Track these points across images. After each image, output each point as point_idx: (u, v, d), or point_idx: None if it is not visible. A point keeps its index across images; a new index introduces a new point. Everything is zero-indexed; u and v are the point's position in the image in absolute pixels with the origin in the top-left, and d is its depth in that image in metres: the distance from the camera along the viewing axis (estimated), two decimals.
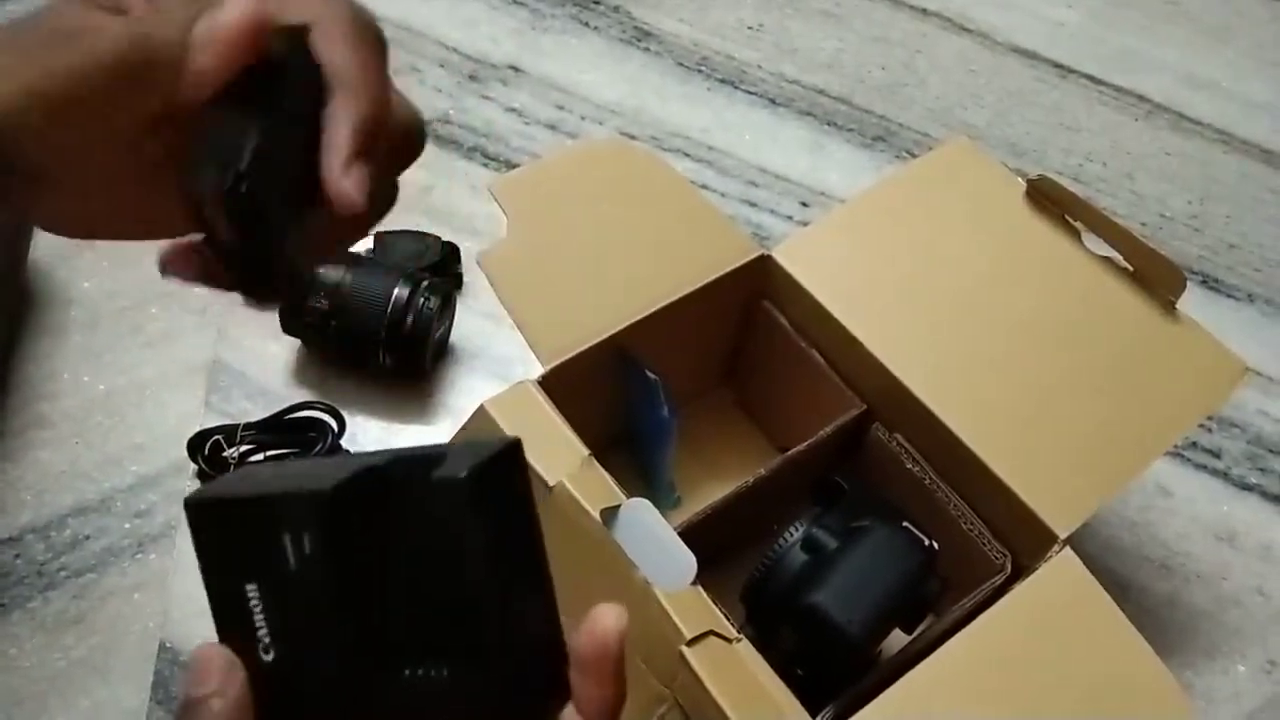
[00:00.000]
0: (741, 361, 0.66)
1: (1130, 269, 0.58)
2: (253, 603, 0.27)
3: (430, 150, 0.82)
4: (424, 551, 0.27)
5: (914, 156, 0.86)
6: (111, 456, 0.64)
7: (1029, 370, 0.55)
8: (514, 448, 0.28)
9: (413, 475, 0.27)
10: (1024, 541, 0.52)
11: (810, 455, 0.57)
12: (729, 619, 0.45)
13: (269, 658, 0.27)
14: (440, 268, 0.71)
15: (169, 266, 0.35)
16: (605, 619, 0.28)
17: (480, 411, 0.50)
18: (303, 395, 0.68)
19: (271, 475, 0.29)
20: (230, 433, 0.62)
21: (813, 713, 0.44)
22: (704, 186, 0.82)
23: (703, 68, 0.91)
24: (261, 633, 0.27)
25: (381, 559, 0.27)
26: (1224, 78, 0.96)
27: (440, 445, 0.28)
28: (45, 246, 0.72)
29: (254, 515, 0.27)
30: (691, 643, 0.43)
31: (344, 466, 0.27)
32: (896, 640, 0.53)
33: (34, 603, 0.59)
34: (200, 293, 0.72)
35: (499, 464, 0.28)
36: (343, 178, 0.32)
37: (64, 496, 0.63)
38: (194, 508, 0.28)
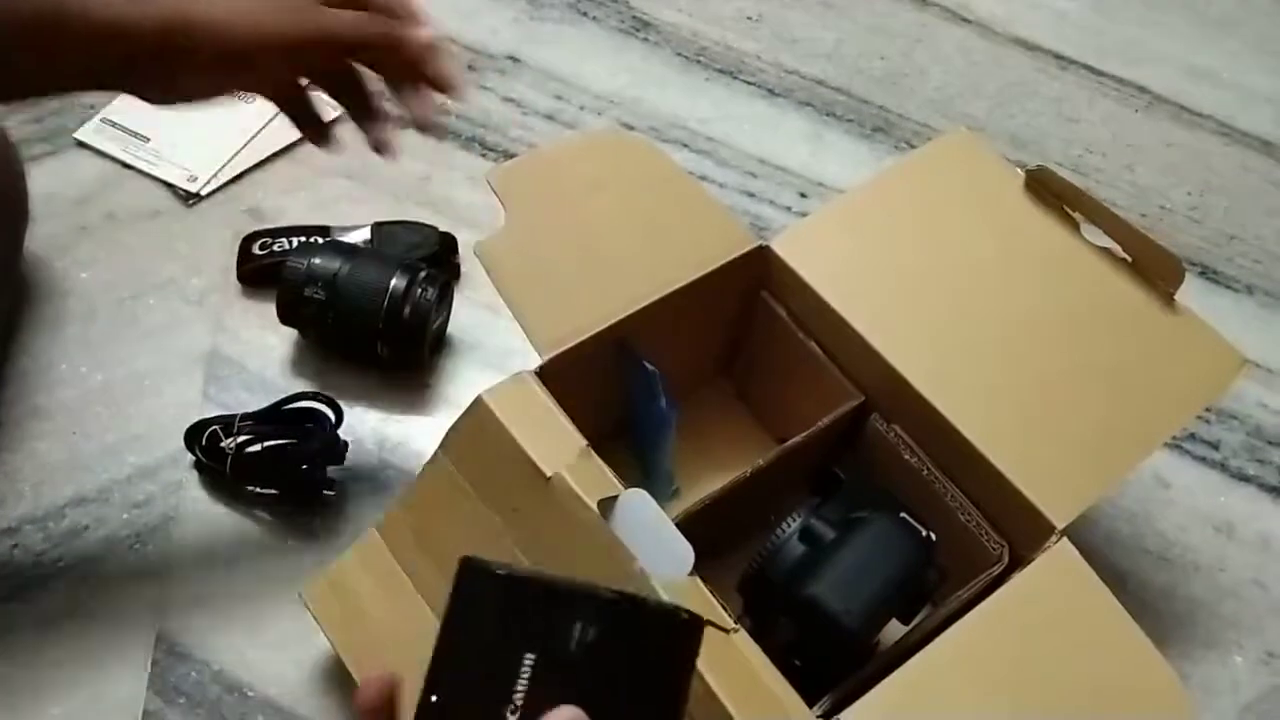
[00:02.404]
0: (740, 353, 0.66)
1: (1129, 260, 0.58)
2: (524, 671, 0.32)
3: (428, 140, 0.82)
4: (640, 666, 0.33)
5: (913, 147, 0.86)
6: (109, 447, 0.64)
7: (1027, 361, 0.55)
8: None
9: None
10: (1021, 532, 0.52)
11: (808, 446, 0.57)
12: (727, 610, 0.45)
13: (513, 717, 0.31)
14: (438, 258, 0.71)
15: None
16: None
17: (478, 403, 0.50)
18: (300, 386, 0.68)
19: (547, 574, 0.34)
20: (228, 423, 0.62)
21: (810, 703, 0.44)
22: (703, 177, 0.82)
23: (702, 58, 0.91)
24: (517, 696, 0.31)
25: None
26: (1225, 69, 0.95)
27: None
28: (42, 237, 0.72)
29: (560, 599, 0.33)
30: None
31: (601, 588, 0.33)
32: (894, 630, 0.53)
33: (32, 593, 0.59)
34: (198, 283, 0.73)
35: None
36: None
37: (62, 487, 0.63)
38: (510, 579, 0.33)
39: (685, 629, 0.34)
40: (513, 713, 0.31)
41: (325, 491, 0.63)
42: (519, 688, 0.32)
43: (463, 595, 0.33)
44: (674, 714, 0.33)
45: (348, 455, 0.63)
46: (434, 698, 0.32)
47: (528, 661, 0.32)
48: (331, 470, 0.63)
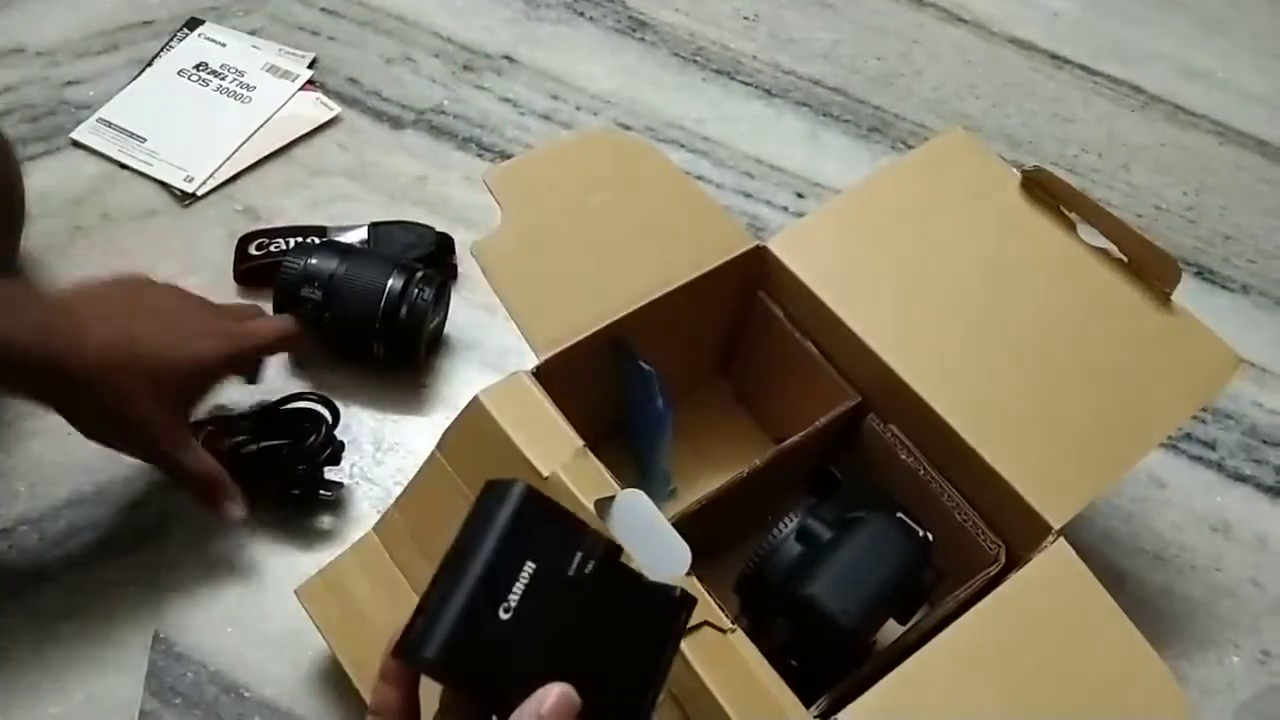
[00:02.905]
0: (737, 352, 0.66)
1: (1125, 260, 0.58)
2: (523, 576, 0.34)
3: (424, 140, 0.82)
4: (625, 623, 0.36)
5: (910, 147, 0.86)
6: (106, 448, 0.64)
7: (1023, 361, 0.55)
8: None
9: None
10: (1018, 532, 0.52)
11: (805, 446, 0.57)
12: (723, 610, 0.45)
13: (505, 616, 0.33)
14: (434, 258, 0.71)
15: None
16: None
17: (474, 402, 0.50)
18: (297, 386, 0.68)
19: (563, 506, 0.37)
20: (224, 424, 0.62)
21: (807, 703, 0.44)
22: (699, 177, 0.82)
23: (698, 58, 0.91)
24: (513, 598, 0.34)
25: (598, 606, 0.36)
26: (1220, 69, 0.96)
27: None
28: (38, 237, 0.72)
29: (567, 527, 0.36)
30: (686, 633, 0.43)
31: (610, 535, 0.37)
32: (891, 630, 0.53)
33: (28, 594, 0.59)
34: (194, 283, 0.72)
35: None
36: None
37: (58, 488, 0.63)
38: (521, 489, 0.35)
39: (677, 603, 0.37)
40: (505, 611, 0.33)
41: (323, 493, 0.62)
42: (516, 590, 0.34)
43: (481, 504, 0.36)
44: (651, 678, 0.36)
45: (344, 455, 0.63)
46: (434, 594, 0.34)
47: (528, 570, 0.34)
48: (329, 471, 0.63)
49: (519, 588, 0.34)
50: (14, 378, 0.52)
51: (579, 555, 0.35)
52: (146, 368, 0.54)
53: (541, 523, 0.35)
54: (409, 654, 0.33)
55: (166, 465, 0.58)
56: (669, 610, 0.37)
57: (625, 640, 0.36)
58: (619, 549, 0.36)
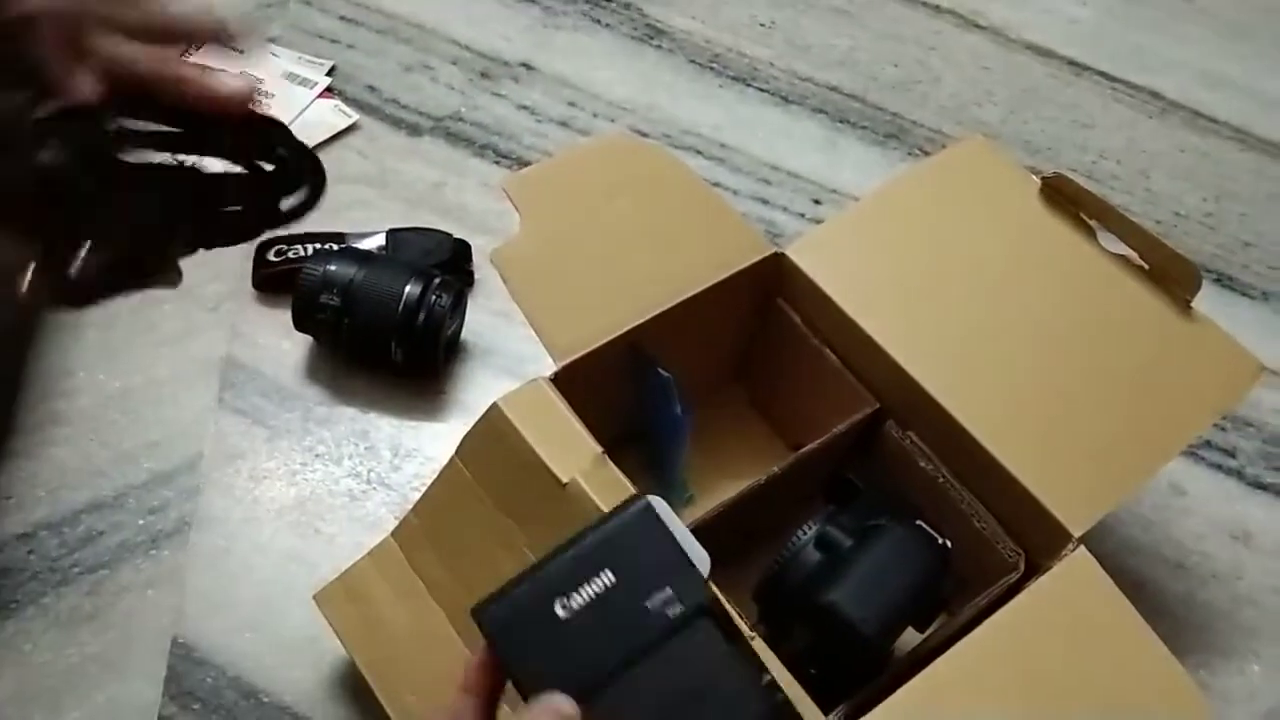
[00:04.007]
0: (754, 359, 0.66)
1: (1146, 267, 0.58)
2: (596, 581, 0.33)
3: (442, 147, 0.83)
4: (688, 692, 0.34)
5: (927, 154, 0.86)
6: (126, 453, 0.65)
7: (1043, 368, 0.55)
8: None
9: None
10: (1038, 540, 0.52)
11: (823, 453, 0.56)
12: (742, 617, 0.45)
13: (561, 613, 0.33)
14: (452, 265, 0.71)
15: None
16: None
17: (493, 409, 0.50)
18: (315, 392, 0.68)
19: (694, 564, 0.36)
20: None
21: (825, 711, 0.44)
22: (716, 184, 0.82)
23: (715, 65, 0.91)
24: (576, 597, 0.33)
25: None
26: (1240, 75, 0.95)
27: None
28: None
29: (674, 561, 0.34)
30: None
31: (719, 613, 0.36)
32: (909, 639, 0.53)
33: (47, 598, 0.59)
34: (214, 290, 0.73)
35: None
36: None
37: (78, 493, 0.63)
38: (647, 506, 0.36)
39: (773, 717, 0.34)
40: (563, 609, 0.33)
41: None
42: (582, 594, 0.33)
43: (609, 513, 0.35)
44: None
45: (365, 461, 0.63)
46: (527, 571, 0.34)
47: (605, 578, 0.33)
48: (351, 480, 0.63)
49: (587, 593, 0.33)
50: None
51: (668, 592, 0.33)
52: None
53: (651, 544, 0.34)
54: (474, 612, 0.34)
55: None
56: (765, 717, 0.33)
57: (679, 709, 0.33)
58: (720, 612, 0.34)
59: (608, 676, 0.33)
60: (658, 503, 0.45)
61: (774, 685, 0.34)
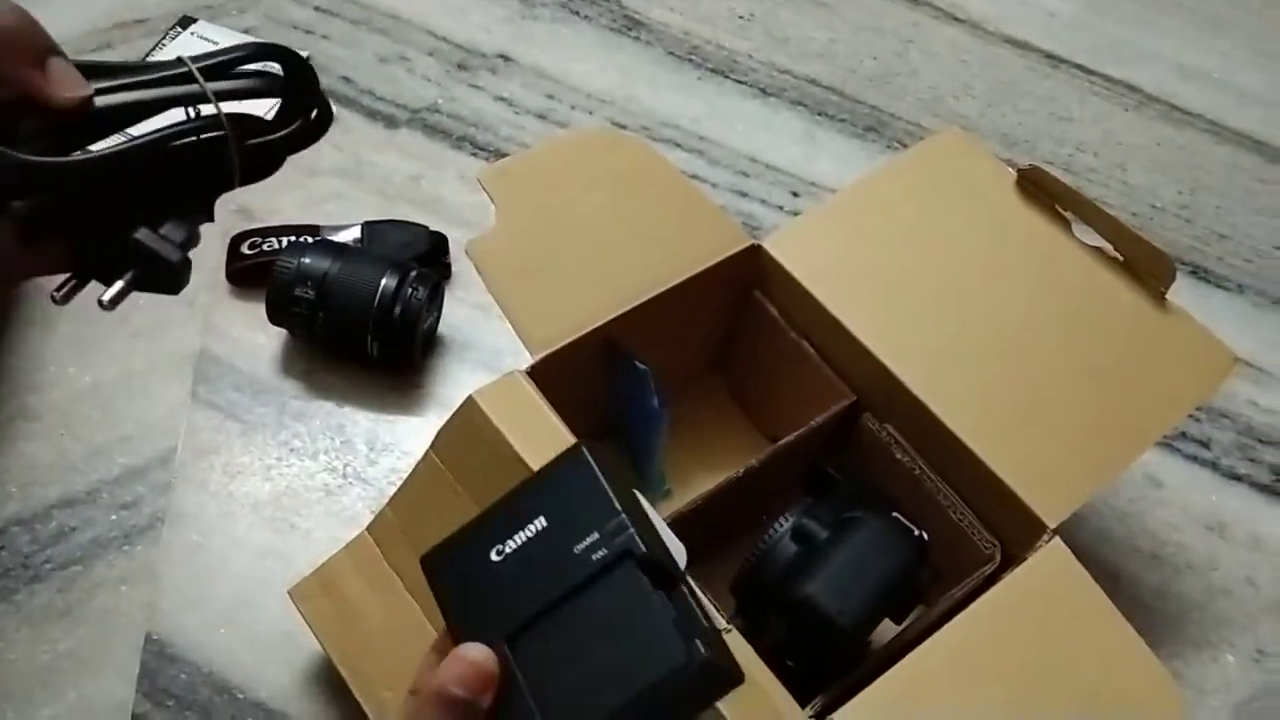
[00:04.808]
0: (732, 352, 0.66)
1: (1121, 259, 0.58)
2: (530, 527, 0.34)
3: (418, 140, 0.83)
4: (611, 636, 0.33)
5: (905, 147, 0.86)
6: (98, 448, 0.64)
7: (1019, 360, 0.55)
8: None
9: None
10: (1014, 531, 0.52)
11: (801, 445, 0.56)
12: (719, 610, 0.45)
13: (495, 557, 0.34)
14: (428, 258, 0.71)
15: None
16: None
17: (469, 402, 0.50)
18: (291, 386, 0.68)
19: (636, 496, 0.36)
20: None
21: (803, 703, 0.44)
22: (695, 176, 0.82)
23: (694, 57, 0.90)
24: (510, 543, 0.34)
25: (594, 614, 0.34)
26: (1216, 68, 0.96)
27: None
28: None
29: (605, 505, 0.34)
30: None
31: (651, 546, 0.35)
32: (886, 630, 0.53)
33: (19, 595, 0.58)
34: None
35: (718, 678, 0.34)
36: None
37: (50, 488, 0.62)
38: (582, 454, 0.35)
39: (698, 669, 0.32)
40: (497, 554, 0.34)
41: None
42: (516, 539, 0.34)
43: (551, 463, 0.36)
44: (616, 706, 0.32)
45: (341, 455, 0.63)
46: (476, 518, 0.35)
47: (538, 524, 0.34)
48: (327, 475, 0.62)
49: (520, 539, 0.34)
50: None
51: (594, 537, 0.33)
52: None
53: (583, 493, 0.34)
54: (423, 560, 0.35)
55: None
56: (683, 667, 0.32)
57: (601, 653, 0.32)
58: (647, 558, 0.33)
59: (533, 618, 0.33)
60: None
61: (708, 634, 0.33)
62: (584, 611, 0.33)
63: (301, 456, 0.65)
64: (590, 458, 0.35)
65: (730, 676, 0.33)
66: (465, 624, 0.34)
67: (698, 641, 0.32)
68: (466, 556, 0.34)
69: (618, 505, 0.34)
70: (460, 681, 0.32)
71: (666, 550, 0.35)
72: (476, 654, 0.33)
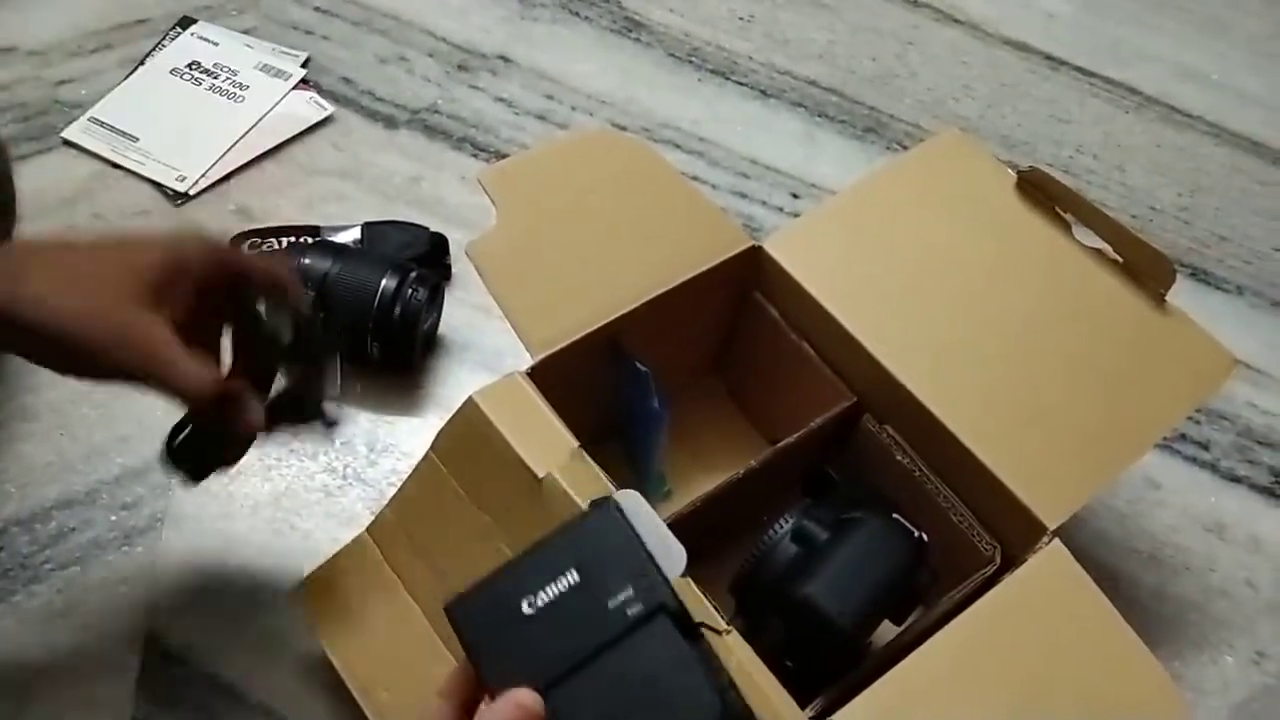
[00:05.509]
0: (732, 353, 0.66)
1: (1120, 261, 0.58)
2: (562, 580, 0.34)
3: (418, 140, 0.83)
4: (645, 688, 0.34)
5: (905, 148, 0.86)
6: (97, 448, 0.64)
7: (1019, 362, 0.55)
8: None
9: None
10: (1013, 533, 0.52)
11: (801, 447, 0.56)
12: (719, 611, 0.45)
13: (526, 610, 0.34)
14: (429, 259, 0.71)
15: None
16: None
17: (469, 403, 0.50)
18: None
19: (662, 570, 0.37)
20: None
21: (802, 704, 0.44)
22: (695, 178, 0.82)
23: (694, 58, 0.91)
24: (542, 595, 0.34)
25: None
26: (1216, 70, 0.96)
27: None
28: (30, 234, 0.71)
29: (638, 561, 0.35)
30: None
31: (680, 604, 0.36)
32: (886, 631, 0.53)
33: (18, 596, 0.58)
34: None
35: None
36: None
37: (49, 489, 0.62)
38: (613, 508, 0.37)
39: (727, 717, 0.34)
40: (529, 606, 0.34)
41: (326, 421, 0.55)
42: (547, 592, 0.34)
43: (580, 515, 0.36)
44: None
45: (341, 456, 0.63)
46: (501, 568, 0.35)
47: (569, 578, 0.34)
48: (326, 476, 0.63)
49: (551, 591, 0.34)
50: None
51: (629, 591, 0.34)
52: (118, 264, 0.45)
53: (614, 546, 0.35)
54: (448, 609, 0.35)
55: (150, 370, 0.45)
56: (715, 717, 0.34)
57: (635, 705, 0.34)
58: (678, 612, 0.34)
59: (567, 671, 0.34)
60: (630, 498, 0.44)
61: (730, 684, 0.35)
62: (619, 664, 0.34)
63: (301, 457, 0.65)
64: (624, 510, 0.36)
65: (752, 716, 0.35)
66: (496, 674, 0.34)
67: (728, 691, 0.34)
68: (496, 607, 0.35)
69: (651, 558, 0.35)
70: None
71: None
72: (527, 698, 0.33)
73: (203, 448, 0.51)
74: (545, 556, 0.35)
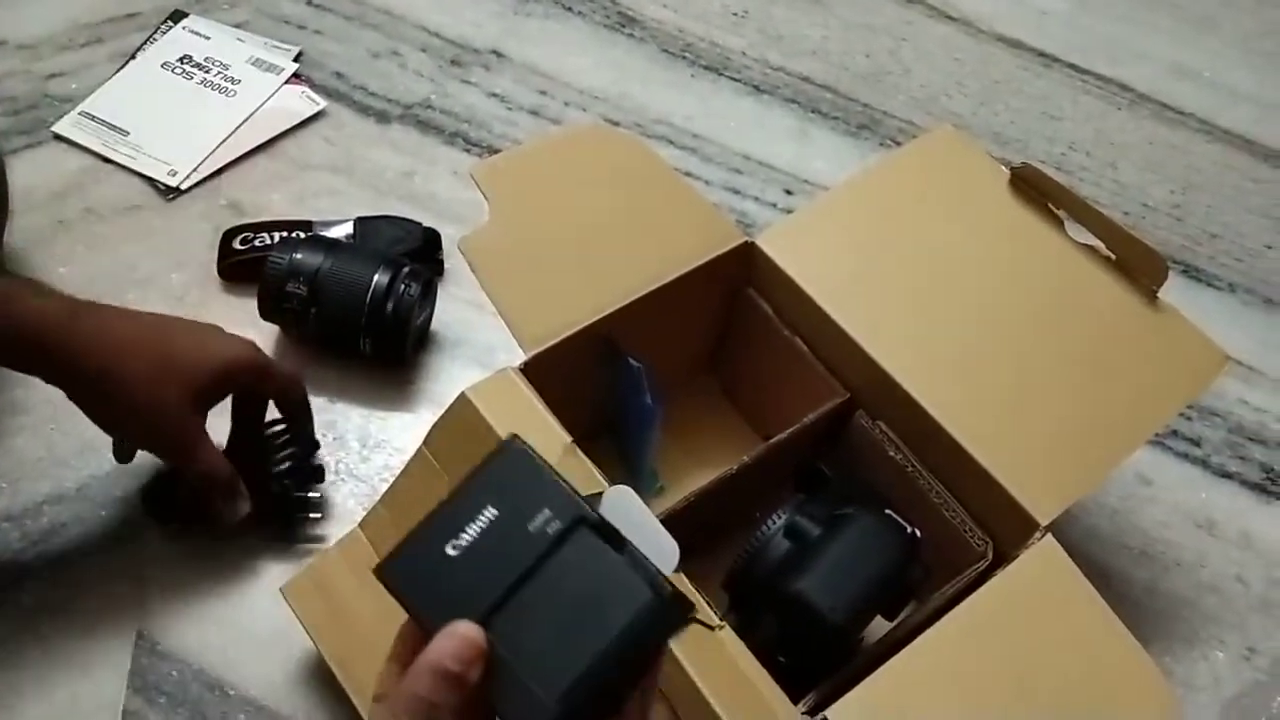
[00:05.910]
0: (725, 349, 0.66)
1: (1113, 258, 0.58)
2: (481, 518, 0.35)
3: (411, 135, 0.82)
4: (579, 595, 0.35)
5: (898, 145, 0.86)
6: (88, 443, 0.63)
7: (1011, 358, 0.55)
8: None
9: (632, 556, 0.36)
10: (1006, 529, 0.52)
11: (793, 443, 0.57)
12: (712, 607, 0.45)
13: (452, 552, 0.35)
14: (421, 254, 0.71)
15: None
16: None
17: (461, 399, 0.50)
18: None
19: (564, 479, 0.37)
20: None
21: (795, 699, 0.44)
22: (688, 174, 0.82)
23: (687, 54, 0.90)
24: (463, 538, 0.35)
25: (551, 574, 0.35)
26: (1208, 68, 0.96)
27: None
28: (20, 231, 0.71)
29: (546, 486, 0.36)
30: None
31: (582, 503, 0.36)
32: (879, 627, 0.53)
33: (9, 591, 0.58)
34: (178, 279, 0.72)
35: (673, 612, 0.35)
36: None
37: (40, 484, 0.62)
38: (515, 445, 0.37)
39: (663, 603, 0.35)
40: (454, 548, 0.35)
41: (310, 514, 0.61)
42: (469, 531, 0.35)
43: (484, 461, 0.37)
44: (595, 655, 0.34)
45: (330, 454, 0.63)
46: (418, 525, 0.36)
47: (488, 514, 0.35)
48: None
49: (473, 529, 0.35)
50: (41, 356, 0.51)
51: (545, 513, 0.35)
52: (178, 365, 0.54)
53: (524, 478, 0.36)
54: (378, 571, 0.36)
55: (181, 462, 0.57)
56: (650, 605, 0.35)
57: (572, 611, 0.35)
58: (593, 521, 0.36)
59: (502, 598, 0.35)
60: (623, 493, 0.44)
61: (658, 574, 0.36)
62: (549, 579, 0.35)
63: None
64: (525, 446, 0.37)
65: (690, 604, 0.36)
66: (437, 617, 0.35)
67: (659, 580, 0.35)
68: (421, 557, 0.35)
69: (561, 482, 0.36)
70: (454, 655, 0.33)
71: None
72: (466, 629, 0.34)
73: (178, 498, 0.60)
74: (460, 502, 0.36)
